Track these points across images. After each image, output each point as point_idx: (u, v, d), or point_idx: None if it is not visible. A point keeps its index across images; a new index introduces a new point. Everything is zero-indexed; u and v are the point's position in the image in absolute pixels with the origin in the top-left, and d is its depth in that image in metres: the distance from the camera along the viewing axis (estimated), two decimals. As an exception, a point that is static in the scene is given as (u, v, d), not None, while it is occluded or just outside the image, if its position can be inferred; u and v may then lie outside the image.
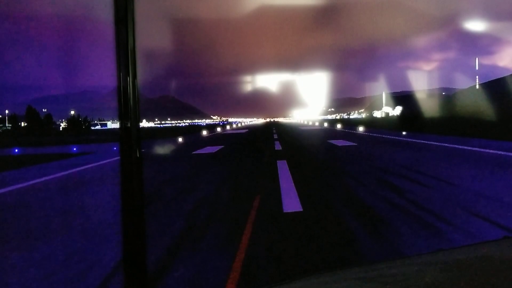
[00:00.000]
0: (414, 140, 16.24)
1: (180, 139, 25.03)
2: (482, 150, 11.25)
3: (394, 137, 18.82)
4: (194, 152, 14.71)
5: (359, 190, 5.97)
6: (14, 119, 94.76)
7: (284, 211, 4.84)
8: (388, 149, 13.13)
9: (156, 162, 11.76)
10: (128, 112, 0.84)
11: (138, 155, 0.84)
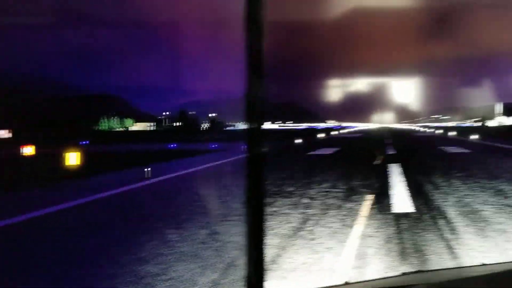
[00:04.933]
0: None
1: (299, 140, 25.35)
2: None
3: None
4: (310, 153, 15.22)
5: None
6: (171, 120, 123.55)
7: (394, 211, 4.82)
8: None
9: (277, 161, 12.24)
10: (254, 115, 0.94)
11: (261, 154, 0.93)
